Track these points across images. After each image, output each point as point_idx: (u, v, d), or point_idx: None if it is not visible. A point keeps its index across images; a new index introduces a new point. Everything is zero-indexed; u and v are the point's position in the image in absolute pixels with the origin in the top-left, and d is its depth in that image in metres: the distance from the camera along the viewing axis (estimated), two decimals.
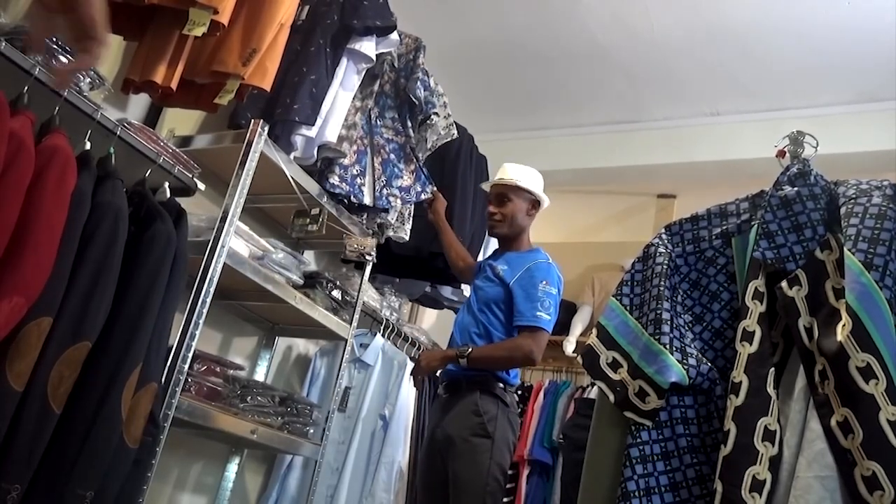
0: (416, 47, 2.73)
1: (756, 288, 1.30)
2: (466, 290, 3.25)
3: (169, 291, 1.59)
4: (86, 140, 1.57)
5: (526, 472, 3.75)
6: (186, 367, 1.80)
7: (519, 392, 3.85)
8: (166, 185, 1.78)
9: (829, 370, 1.14)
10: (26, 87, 1.44)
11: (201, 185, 1.88)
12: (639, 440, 1.30)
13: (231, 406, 2.05)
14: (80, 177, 1.45)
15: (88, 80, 1.62)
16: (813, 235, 1.32)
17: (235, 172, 1.97)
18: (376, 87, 2.65)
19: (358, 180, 2.57)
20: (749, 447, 1.17)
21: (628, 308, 1.47)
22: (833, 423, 1.12)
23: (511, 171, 2.49)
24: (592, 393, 3.13)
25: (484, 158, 3.42)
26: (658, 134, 3.67)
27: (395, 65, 2.75)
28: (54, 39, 1.54)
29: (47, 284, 1.33)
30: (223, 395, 2.03)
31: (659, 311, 1.38)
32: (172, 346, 1.76)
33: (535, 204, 2.50)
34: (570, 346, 4.19)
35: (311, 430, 2.38)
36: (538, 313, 2.25)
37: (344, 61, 2.38)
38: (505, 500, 3.29)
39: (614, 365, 1.40)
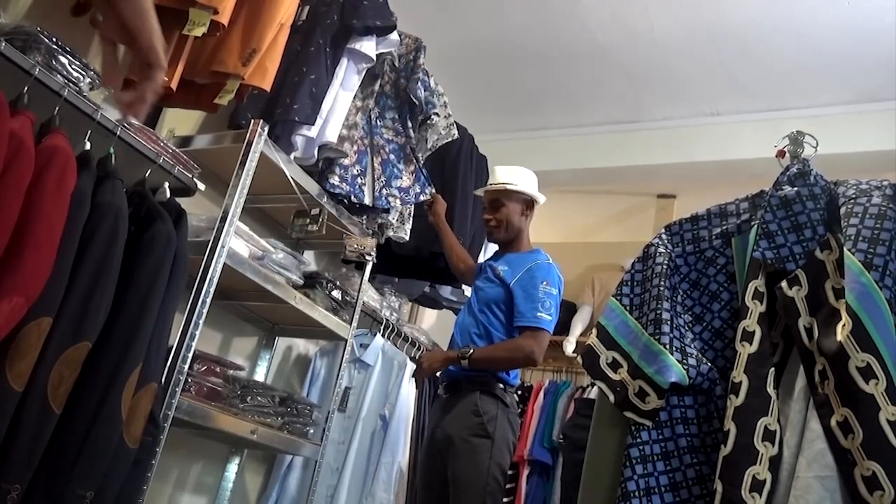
0: (416, 47, 2.73)
1: (756, 288, 1.30)
2: (466, 290, 3.25)
3: (169, 291, 1.59)
4: (86, 140, 1.57)
5: (526, 472, 3.75)
6: (186, 367, 1.80)
7: (519, 392, 3.85)
8: (166, 185, 1.78)
9: (829, 370, 1.14)
10: (26, 87, 1.44)
11: (201, 186, 1.88)
12: (639, 440, 1.30)
13: (231, 406, 2.05)
14: (80, 177, 1.45)
15: (88, 80, 1.62)
16: (813, 235, 1.32)
17: (235, 172, 1.97)
18: (377, 87, 2.65)
19: (358, 180, 2.57)
20: (749, 447, 1.17)
21: (628, 308, 1.47)
22: (833, 423, 1.12)
23: (501, 175, 2.49)
24: (592, 393, 3.13)
25: (484, 158, 3.43)
26: (658, 134, 3.67)
27: (396, 65, 2.75)
28: (55, 40, 1.55)
29: (47, 284, 1.33)
30: (223, 396, 2.03)
31: (659, 311, 1.38)
32: (172, 346, 1.76)
33: (530, 203, 2.50)
34: (570, 346, 4.19)
35: (311, 431, 2.38)
36: (539, 314, 2.25)
37: (344, 61, 2.38)
38: (505, 500, 3.29)
39: (614, 365, 1.40)
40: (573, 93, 3.60)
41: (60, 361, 1.36)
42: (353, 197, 2.53)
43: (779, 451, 1.18)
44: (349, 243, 2.51)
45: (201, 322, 1.83)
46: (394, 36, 2.49)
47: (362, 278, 2.63)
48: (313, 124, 2.25)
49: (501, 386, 2.29)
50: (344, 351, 2.55)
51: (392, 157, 2.70)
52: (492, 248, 2.87)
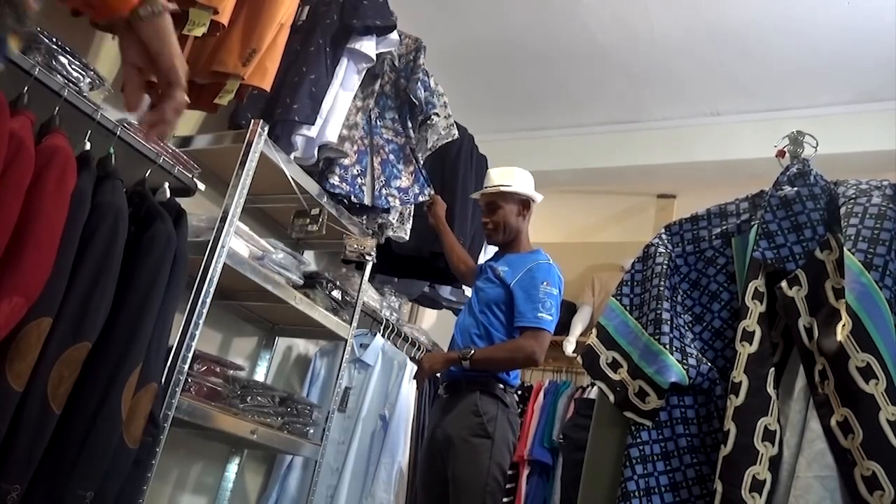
0: (416, 48, 2.73)
1: (756, 288, 1.30)
2: (466, 290, 3.25)
3: (169, 292, 1.59)
4: (86, 140, 1.57)
5: (526, 472, 3.75)
6: (186, 367, 1.80)
7: (519, 392, 3.85)
8: (166, 185, 1.78)
9: (829, 370, 1.14)
10: (26, 88, 1.45)
11: (201, 186, 1.88)
12: (639, 440, 1.30)
13: (231, 406, 2.05)
14: (80, 177, 1.45)
15: (88, 80, 1.62)
16: (813, 235, 1.32)
17: (235, 172, 1.97)
18: (377, 87, 2.65)
19: (358, 180, 2.57)
20: (749, 447, 1.17)
21: (628, 308, 1.47)
22: (833, 423, 1.12)
23: (495, 178, 2.50)
24: (592, 393, 3.13)
25: (484, 158, 3.43)
26: (658, 134, 3.67)
27: (396, 65, 2.75)
28: (55, 40, 1.55)
29: (47, 285, 1.33)
30: (223, 396, 2.03)
31: (659, 311, 1.38)
32: (172, 346, 1.76)
33: (527, 203, 2.50)
34: (570, 346, 4.19)
35: (311, 431, 2.38)
36: (539, 314, 2.25)
37: (344, 61, 2.38)
38: (505, 500, 3.29)
39: (614, 365, 1.40)
40: (573, 93, 3.60)
41: (60, 361, 1.36)
42: (353, 197, 2.53)
43: (779, 451, 1.18)
44: (349, 243, 2.51)
45: (201, 322, 1.83)
46: (394, 35, 2.49)
47: (362, 278, 2.63)
48: (313, 124, 2.25)
49: (501, 386, 2.29)
50: (344, 351, 2.55)
51: (391, 157, 2.70)
52: (492, 248, 2.87)
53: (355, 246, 2.51)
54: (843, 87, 3.18)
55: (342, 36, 2.36)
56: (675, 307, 1.42)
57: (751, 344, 1.25)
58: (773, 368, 1.23)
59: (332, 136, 2.35)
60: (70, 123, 1.53)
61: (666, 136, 3.64)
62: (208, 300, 1.85)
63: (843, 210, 1.29)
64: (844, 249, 1.20)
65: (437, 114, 2.78)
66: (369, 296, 2.87)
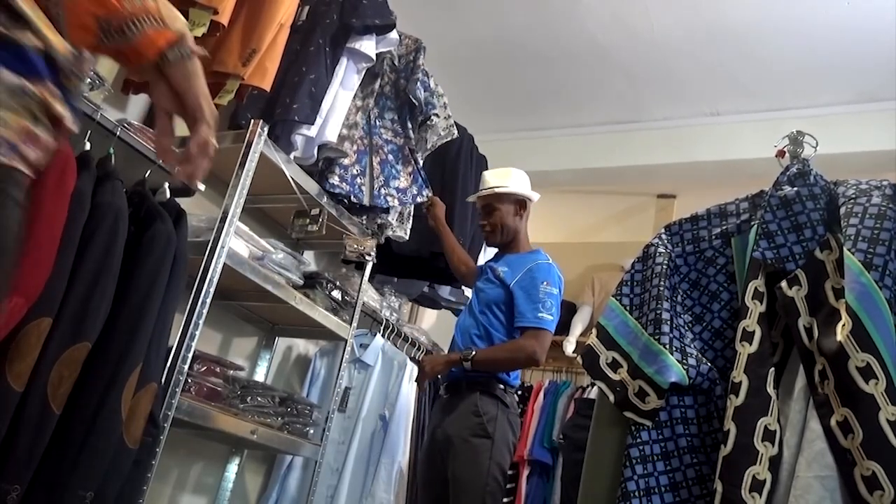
0: (416, 48, 2.73)
1: (756, 288, 1.30)
2: (466, 290, 3.26)
3: (169, 292, 1.59)
4: (86, 140, 1.58)
5: (526, 472, 3.75)
6: (186, 367, 1.80)
7: (519, 392, 3.85)
8: (166, 185, 1.78)
9: (829, 370, 1.14)
10: None
11: (201, 186, 1.88)
12: (639, 440, 1.30)
13: (231, 406, 2.05)
14: (79, 177, 1.45)
15: (88, 80, 1.62)
16: (813, 235, 1.32)
17: (235, 172, 1.97)
18: (376, 87, 2.65)
19: (358, 180, 2.57)
20: (749, 447, 1.17)
21: (628, 308, 1.47)
22: (833, 423, 1.12)
23: (490, 180, 2.50)
24: (592, 393, 3.13)
25: (484, 158, 3.43)
26: (658, 134, 3.67)
27: (396, 65, 2.75)
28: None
29: (47, 285, 1.33)
30: (223, 396, 2.03)
31: (659, 311, 1.38)
32: (172, 347, 1.76)
33: (523, 203, 2.50)
34: (570, 347, 4.19)
35: (311, 431, 2.38)
36: (540, 314, 2.25)
37: (344, 61, 2.38)
38: (505, 500, 3.28)
39: (614, 365, 1.40)
40: (573, 93, 3.60)
41: (60, 361, 1.36)
42: (352, 197, 2.53)
43: (779, 450, 1.18)
44: (349, 243, 2.51)
45: (201, 322, 1.83)
46: (393, 35, 2.49)
47: (362, 278, 2.63)
48: (313, 124, 2.25)
49: (502, 386, 2.29)
50: (344, 351, 2.55)
51: (390, 157, 2.70)
52: (492, 249, 2.87)
53: (355, 246, 2.51)
54: (843, 87, 3.18)
55: (342, 35, 2.36)
56: (674, 307, 1.42)
57: (751, 344, 1.25)
58: (773, 368, 1.23)
59: (331, 135, 2.35)
60: None
61: (666, 136, 3.64)
62: (208, 300, 1.85)
63: (842, 210, 1.29)
64: (844, 249, 1.20)
65: (436, 114, 2.78)
66: (369, 296, 2.87)
